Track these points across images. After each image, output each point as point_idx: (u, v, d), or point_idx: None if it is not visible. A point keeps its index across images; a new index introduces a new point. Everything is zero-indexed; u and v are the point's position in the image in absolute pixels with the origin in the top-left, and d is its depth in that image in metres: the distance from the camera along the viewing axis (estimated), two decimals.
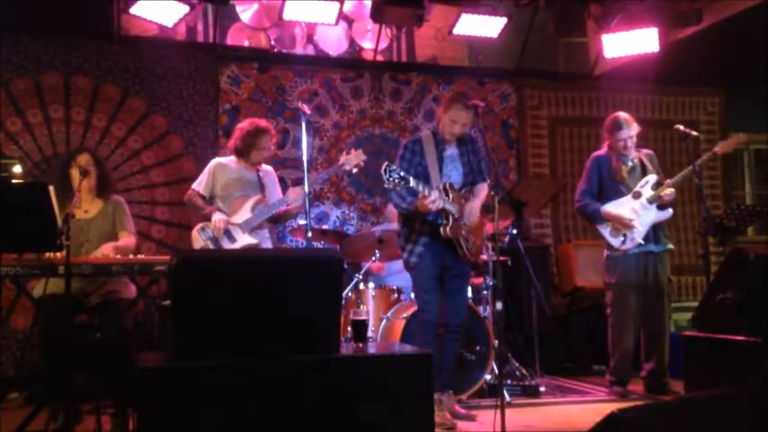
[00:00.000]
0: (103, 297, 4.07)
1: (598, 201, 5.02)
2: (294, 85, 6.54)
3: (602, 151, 5.13)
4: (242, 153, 4.60)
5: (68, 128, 5.86)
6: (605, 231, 4.99)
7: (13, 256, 3.53)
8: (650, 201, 4.93)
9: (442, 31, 6.88)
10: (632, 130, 4.97)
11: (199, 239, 4.48)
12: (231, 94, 6.33)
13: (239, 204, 4.53)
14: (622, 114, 5.06)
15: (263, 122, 4.70)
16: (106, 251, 4.01)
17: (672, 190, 4.92)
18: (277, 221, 4.86)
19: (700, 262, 6.46)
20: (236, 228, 4.47)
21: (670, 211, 5.00)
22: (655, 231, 4.97)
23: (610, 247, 5.01)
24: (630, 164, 5.04)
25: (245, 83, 6.39)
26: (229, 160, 4.68)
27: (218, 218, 4.44)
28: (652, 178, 5.00)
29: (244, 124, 4.68)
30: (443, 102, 4.39)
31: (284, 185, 6.31)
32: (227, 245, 4.43)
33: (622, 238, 4.92)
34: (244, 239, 4.46)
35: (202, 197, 4.58)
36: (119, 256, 3.89)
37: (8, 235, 3.33)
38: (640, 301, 4.95)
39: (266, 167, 4.78)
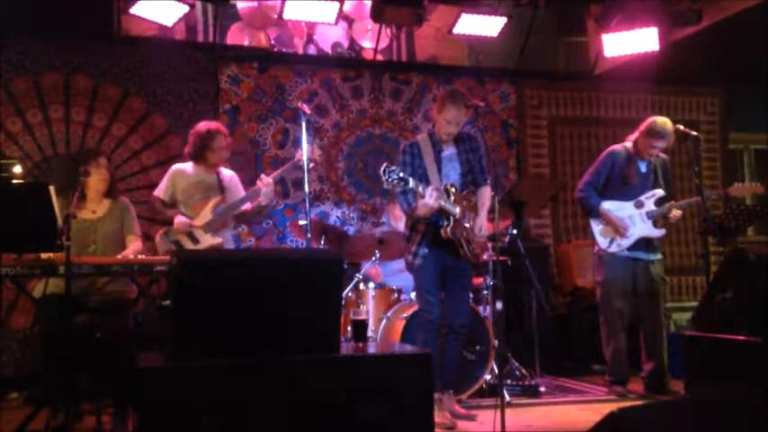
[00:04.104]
0: (104, 297, 4.08)
1: (600, 195, 5.02)
2: (294, 84, 6.54)
3: (620, 146, 5.07)
4: (197, 157, 4.63)
5: (68, 128, 5.85)
6: (596, 229, 5.02)
7: (13, 256, 3.53)
8: (650, 215, 4.95)
9: (441, 31, 6.86)
10: (669, 142, 4.95)
11: (162, 244, 4.52)
12: (231, 93, 6.33)
13: (201, 207, 4.56)
14: (669, 123, 4.91)
15: (213, 124, 4.74)
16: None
17: (679, 212, 4.95)
18: (242, 220, 4.92)
19: (700, 262, 6.45)
20: (199, 230, 4.51)
21: (663, 230, 5.03)
22: (646, 240, 4.99)
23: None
24: (644, 169, 5.03)
25: (245, 83, 6.38)
26: (188, 165, 4.70)
27: (179, 221, 4.50)
28: (659, 192, 5.01)
29: (197, 128, 4.70)
30: (437, 102, 4.38)
31: (285, 186, 6.36)
32: (189, 247, 4.47)
33: (609, 241, 4.95)
34: (206, 240, 4.50)
35: (163, 202, 4.64)
36: (119, 257, 3.91)
37: (8, 235, 3.33)
38: (629, 303, 4.99)
39: (227, 171, 4.79)
